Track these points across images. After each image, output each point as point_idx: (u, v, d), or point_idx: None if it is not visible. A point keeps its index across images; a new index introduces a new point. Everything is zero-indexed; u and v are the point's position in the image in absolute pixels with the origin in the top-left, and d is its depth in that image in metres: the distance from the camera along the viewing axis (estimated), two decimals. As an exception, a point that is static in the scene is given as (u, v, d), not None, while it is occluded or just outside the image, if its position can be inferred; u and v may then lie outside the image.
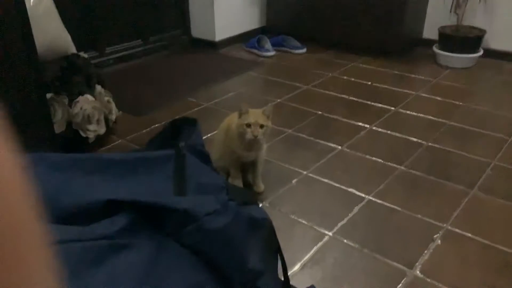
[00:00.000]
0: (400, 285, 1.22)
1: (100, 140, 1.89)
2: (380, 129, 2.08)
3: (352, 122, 2.15)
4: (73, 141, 1.74)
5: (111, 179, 0.79)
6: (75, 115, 1.72)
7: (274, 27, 3.41)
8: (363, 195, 1.60)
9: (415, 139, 1.98)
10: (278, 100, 2.38)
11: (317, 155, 1.86)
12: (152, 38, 3.12)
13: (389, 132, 2.05)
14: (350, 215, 1.50)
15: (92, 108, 1.78)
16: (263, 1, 3.43)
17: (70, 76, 1.76)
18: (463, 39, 2.81)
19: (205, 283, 0.67)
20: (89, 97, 1.79)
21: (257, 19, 3.48)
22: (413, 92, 2.48)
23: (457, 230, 1.43)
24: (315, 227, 1.45)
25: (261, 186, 1.63)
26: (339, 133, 2.04)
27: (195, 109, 2.30)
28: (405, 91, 2.50)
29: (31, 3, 1.65)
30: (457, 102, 2.35)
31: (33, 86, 1.39)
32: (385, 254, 1.33)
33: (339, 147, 1.92)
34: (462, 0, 2.79)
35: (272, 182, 1.68)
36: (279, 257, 0.91)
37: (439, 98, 2.41)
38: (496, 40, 2.92)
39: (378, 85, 2.59)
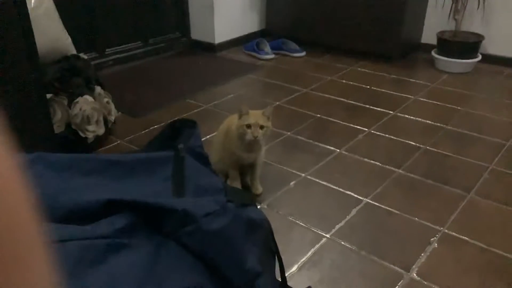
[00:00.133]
0: (397, 287, 1.23)
1: (99, 141, 1.89)
2: (378, 133, 2.09)
3: (351, 125, 2.16)
4: (72, 141, 1.74)
5: (110, 179, 0.79)
6: (75, 116, 1.73)
7: (274, 30, 3.42)
8: (361, 198, 1.61)
9: (413, 143, 1.99)
10: (277, 103, 2.39)
11: (316, 158, 1.86)
12: (152, 40, 3.13)
13: (387, 135, 2.06)
14: (348, 217, 1.51)
15: (91, 109, 1.78)
16: (262, 4, 3.45)
17: (70, 77, 1.76)
18: (461, 44, 2.82)
19: (204, 284, 0.68)
20: (88, 98, 1.79)
21: (257, 22, 3.49)
22: (412, 96, 2.49)
23: (454, 233, 1.43)
24: (312, 229, 1.45)
25: (259, 188, 1.64)
26: (338, 136, 2.04)
27: (194, 110, 2.30)
28: (404, 95, 2.52)
29: (32, 5, 1.66)
30: (455, 107, 2.37)
31: (34, 86, 1.39)
32: (382, 256, 1.33)
33: (338, 150, 1.93)
34: (460, 6, 2.81)
35: (271, 184, 1.68)
36: (276, 258, 0.92)
37: (437, 103, 2.42)
38: (494, 46, 2.94)
39: (376, 89, 2.61)
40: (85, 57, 1.98)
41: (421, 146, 1.97)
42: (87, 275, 0.63)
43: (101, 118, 1.85)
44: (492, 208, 1.56)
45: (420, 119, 2.22)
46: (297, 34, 3.29)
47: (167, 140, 0.98)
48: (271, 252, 0.89)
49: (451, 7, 2.85)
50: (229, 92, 2.54)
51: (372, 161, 1.84)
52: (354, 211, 1.54)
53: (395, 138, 2.04)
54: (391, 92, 2.56)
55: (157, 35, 3.16)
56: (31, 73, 1.35)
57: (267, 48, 3.13)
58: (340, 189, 1.66)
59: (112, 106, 1.98)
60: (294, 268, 1.29)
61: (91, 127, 1.79)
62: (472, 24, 2.94)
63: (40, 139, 1.47)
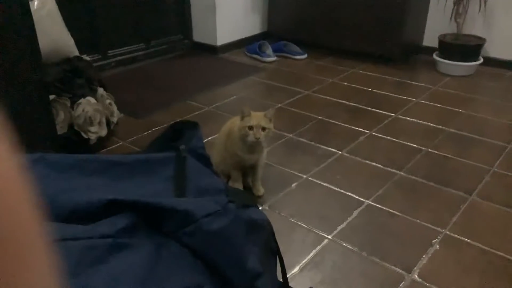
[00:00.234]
0: (398, 289, 1.23)
1: (101, 142, 1.90)
2: (380, 135, 2.09)
3: (352, 127, 2.16)
4: (74, 142, 1.75)
5: (111, 180, 0.80)
6: (77, 117, 1.74)
7: (276, 32, 3.43)
8: (362, 200, 1.61)
9: (414, 145, 1.99)
10: (279, 105, 2.40)
11: (317, 160, 1.87)
12: (154, 42, 3.14)
13: (388, 137, 2.06)
14: (349, 219, 1.51)
15: (93, 110, 1.79)
16: (264, 6, 3.46)
17: (72, 78, 1.77)
18: (463, 47, 2.82)
19: (204, 284, 0.68)
20: (91, 99, 1.80)
21: (259, 24, 3.50)
22: (413, 99, 2.50)
23: (455, 235, 1.43)
24: (314, 230, 1.45)
25: (261, 190, 1.64)
26: (339, 138, 2.05)
27: (196, 112, 2.31)
28: (405, 97, 2.52)
29: (35, 6, 1.67)
30: (456, 109, 2.36)
31: (36, 87, 1.40)
32: (383, 258, 1.33)
33: (339, 152, 1.93)
34: (462, 9, 2.82)
35: (272, 185, 1.68)
36: (278, 259, 0.92)
37: (438, 105, 2.42)
38: (496, 49, 2.94)
39: (378, 91, 2.61)
40: (88, 58, 1.99)
41: (423, 148, 1.97)
42: (88, 275, 0.63)
43: (104, 120, 1.86)
44: (494, 210, 1.56)
45: (422, 122, 2.22)
46: (299, 36, 3.30)
47: (169, 141, 0.99)
48: (272, 253, 0.89)
49: (453, 10, 2.85)
50: (231, 94, 2.55)
51: (373, 163, 1.84)
52: (355, 213, 1.54)
53: (396, 140, 2.04)
54: (393, 95, 2.56)
55: (159, 37, 3.17)
56: (33, 74, 1.36)
57: (269, 50, 3.14)
58: (342, 191, 1.66)
59: (115, 107, 1.99)
60: (296, 269, 1.29)
61: (93, 128, 1.79)
62: (473, 27, 2.94)
63: (43, 140, 1.47)
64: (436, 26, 3.07)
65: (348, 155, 1.91)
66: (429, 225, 1.48)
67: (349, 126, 2.17)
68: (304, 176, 1.75)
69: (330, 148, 1.96)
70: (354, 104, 2.42)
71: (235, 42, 3.33)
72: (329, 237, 1.42)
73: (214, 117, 2.26)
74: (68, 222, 0.67)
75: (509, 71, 2.90)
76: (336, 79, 2.79)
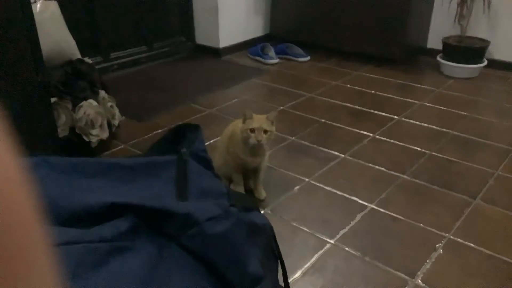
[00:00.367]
0: (402, 294, 1.21)
1: (103, 145, 1.89)
2: (383, 138, 2.08)
3: (355, 130, 2.15)
4: (76, 145, 1.75)
5: (113, 183, 0.79)
6: (79, 120, 1.73)
7: (278, 35, 3.43)
8: (365, 203, 1.60)
9: (418, 148, 1.98)
10: (282, 108, 2.39)
11: (320, 163, 1.86)
12: (156, 45, 3.14)
13: (392, 141, 2.05)
14: (352, 223, 1.50)
15: (95, 113, 1.79)
16: (267, 9, 3.46)
17: (74, 81, 1.77)
18: (467, 49, 2.81)
19: (205, 287, 0.67)
20: (92, 102, 1.80)
21: (261, 26, 3.50)
22: (417, 102, 2.48)
23: (459, 239, 1.42)
24: (316, 234, 1.44)
25: (262, 193, 1.63)
26: (342, 141, 2.04)
27: (198, 115, 2.31)
28: (409, 100, 2.51)
29: (38, 9, 1.67)
30: (460, 112, 2.35)
31: (37, 89, 1.40)
32: (386, 262, 1.32)
33: (342, 155, 1.92)
34: (466, 11, 2.80)
35: (274, 189, 1.68)
36: (279, 263, 0.91)
37: (442, 108, 2.41)
38: (500, 51, 2.92)
39: (381, 93, 2.60)
40: (90, 61, 1.98)
41: (426, 151, 1.95)
42: (89, 278, 0.62)
43: (105, 122, 1.85)
44: (498, 215, 1.54)
45: (425, 124, 2.21)
46: (302, 38, 3.30)
47: (170, 144, 0.98)
48: (274, 257, 0.88)
49: (456, 12, 2.84)
50: (233, 97, 2.54)
51: (376, 167, 1.83)
52: (358, 217, 1.53)
53: (400, 143, 2.03)
54: (396, 97, 2.55)
55: (162, 39, 3.17)
56: (34, 75, 1.36)
57: (272, 52, 3.13)
58: (345, 195, 1.65)
59: (116, 110, 1.98)
60: (298, 273, 1.28)
61: (95, 131, 1.79)
62: (478, 29, 2.93)
63: (44, 142, 1.47)
64: (440, 28, 3.06)
65: (351, 158, 1.90)
66: (433, 230, 1.46)
67: (352, 129, 2.16)
68: (307, 180, 1.74)
69: (333, 151, 1.95)
70: (357, 107, 2.41)
71: (237, 45, 3.33)
72: (332, 241, 1.41)
73: (216, 120, 2.25)
74: (69, 225, 0.66)
75: (513, 74, 2.89)
76: (339, 82, 2.78)
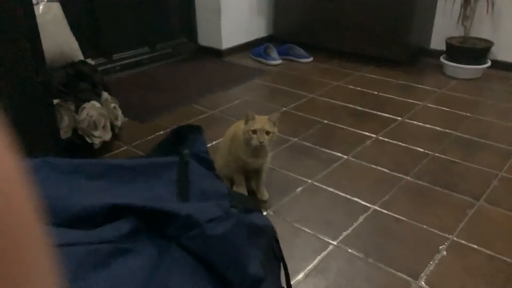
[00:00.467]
0: (405, 296, 1.21)
1: (106, 146, 1.89)
2: (386, 139, 2.07)
3: (358, 131, 2.14)
4: (78, 146, 1.75)
5: (114, 184, 0.79)
6: (81, 121, 1.74)
7: (281, 36, 3.42)
8: (368, 205, 1.59)
9: (421, 149, 1.97)
10: (284, 109, 2.39)
11: (322, 164, 1.85)
12: (159, 46, 3.14)
13: (395, 142, 2.04)
14: (355, 224, 1.49)
15: (98, 114, 1.79)
16: (270, 10, 3.45)
17: (77, 82, 1.77)
18: (470, 50, 2.80)
19: (206, 289, 0.67)
20: (95, 103, 1.80)
21: (264, 28, 3.50)
22: (420, 102, 2.47)
23: (462, 241, 1.41)
24: (319, 236, 1.44)
25: (265, 194, 1.63)
26: (345, 142, 2.03)
27: (201, 116, 2.31)
28: (412, 101, 2.50)
29: (40, 11, 1.68)
30: (463, 113, 2.34)
31: (39, 91, 1.40)
32: (389, 264, 1.31)
33: (345, 156, 1.91)
34: (469, 11, 2.79)
35: (277, 190, 1.67)
36: (282, 265, 0.91)
37: (445, 109, 2.40)
38: (504, 52, 2.91)
39: (384, 94, 2.59)
40: (93, 62, 1.99)
41: (429, 152, 1.95)
42: (89, 279, 0.62)
43: (108, 124, 1.86)
44: (501, 216, 1.53)
45: (428, 125, 2.20)
46: (304, 39, 3.29)
47: (172, 146, 0.98)
48: (276, 258, 0.88)
49: (460, 12, 2.83)
50: (235, 98, 2.54)
51: (379, 168, 1.83)
52: (361, 218, 1.52)
53: (402, 144, 2.02)
54: (399, 98, 2.54)
55: (164, 40, 3.18)
56: (36, 77, 1.36)
57: (274, 53, 3.13)
58: (347, 196, 1.64)
59: (119, 111, 1.98)
60: (300, 275, 1.28)
61: (97, 133, 1.79)
62: (481, 30, 2.92)
63: (46, 143, 1.47)
64: (443, 29, 3.05)
65: (353, 159, 1.89)
66: (436, 231, 1.46)
67: (354, 130, 2.16)
68: (309, 181, 1.74)
69: (335, 153, 1.94)
70: (360, 108, 2.41)
71: (240, 46, 3.33)
72: (334, 243, 1.41)
73: (219, 121, 2.25)
74: (70, 226, 0.66)
75: (517, 75, 2.88)
76: (342, 82, 2.77)
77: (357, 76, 2.89)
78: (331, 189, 1.68)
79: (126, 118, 2.08)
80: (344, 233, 1.45)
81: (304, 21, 3.29)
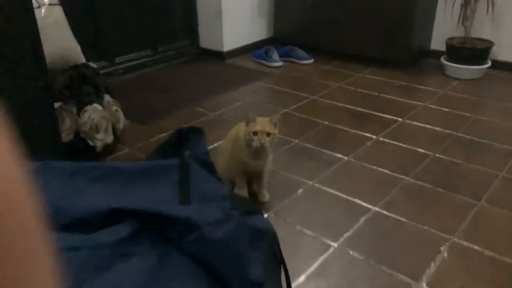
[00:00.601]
0: (406, 297, 1.21)
1: (108, 149, 1.90)
2: (387, 140, 2.07)
3: (359, 132, 2.15)
4: (80, 149, 1.76)
5: (115, 187, 0.80)
6: (83, 124, 1.74)
7: (282, 38, 3.43)
8: (369, 206, 1.59)
9: (422, 150, 1.97)
10: (285, 110, 2.39)
11: (323, 165, 1.85)
12: (161, 48, 3.15)
13: (396, 143, 2.04)
14: (356, 226, 1.49)
15: (100, 117, 1.80)
16: (270, 12, 3.46)
17: (79, 85, 1.78)
18: (470, 50, 2.80)
19: (207, 292, 0.67)
20: (97, 106, 1.81)
21: (265, 30, 3.50)
22: (421, 103, 2.48)
23: (464, 242, 1.41)
24: (320, 238, 1.44)
25: (266, 196, 1.63)
26: (346, 144, 2.03)
27: (202, 118, 2.31)
28: (413, 102, 2.50)
29: (42, 14, 1.69)
30: (465, 113, 2.34)
31: (41, 94, 1.41)
32: (391, 266, 1.31)
33: (346, 158, 1.92)
34: (469, 12, 2.79)
35: (278, 192, 1.68)
36: (282, 267, 0.91)
37: (446, 109, 2.40)
38: (504, 52, 2.91)
39: (385, 95, 2.59)
40: (95, 65, 2.00)
41: (430, 153, 1.95)
42: (90, 283, 0.63)
43: (110, 126, 1.86)
44: (503, 217, 1.53)
45: (429, 126, 2.20)
46: (305, 41, 3.30)
47: (173, 148, 0.98)
48: (277, 261, 0.88)
49: (460, 13, 2.83)
50: (237, 99, 2.55)
51: (380, 169, 1.83)
52: (362, 220, 1.52)
53: (403, 145, 2.02)
54: (400, 99, 2.54)
55: (167, 43, 3.19)
56: (38, 81, 1.37)
57: (275, 55, 3.14)
58: (348, 197, 1.64)
59: (121, 114, 1.99)
60: (301, 278, 1.28)
61: (99, 135, 1.80)
62: (481, 30, 2.92)
63: (48, 147, 1.48)
64: (443, 30, 3.05)
65: (354, 160, 1.90)
66: (437, 232, 1.46)
67: (355, 131, 2.16)
68: (310, 183, 1.74)
69: (336, 154, 1.95)
70: (361, 109, 2.41)
71: (241, 48, 3.34)
72: (336, 245, 1.41)
73: (220, 123, 2.26)
74: (71, 230, 0.67)
75: (518, 75, 2.87)
76: (343, 84, 2.78)
77: (358, 78, 2.89)
78: (332, 191, 1.69)
79: (128, 121, 2.09)
80: (345, 235, 1.45)
81: (304, 22, 3.30)
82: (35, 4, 1.60)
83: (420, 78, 2.87)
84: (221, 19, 3.14)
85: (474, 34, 2.88)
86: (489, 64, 2.82)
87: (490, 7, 2.77)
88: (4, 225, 0.20)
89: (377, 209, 1.58)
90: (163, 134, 2.12)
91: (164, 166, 0.86)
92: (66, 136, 1.69)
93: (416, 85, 2.75)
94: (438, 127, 2.19)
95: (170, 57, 3.19)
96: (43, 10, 1.70)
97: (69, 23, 1.87)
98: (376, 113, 2.36)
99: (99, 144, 1.81)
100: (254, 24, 3.40)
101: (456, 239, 1.42)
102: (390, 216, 1.54)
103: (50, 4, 1.74)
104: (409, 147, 2.01)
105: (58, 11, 1.79)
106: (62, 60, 1.78)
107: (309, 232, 1.46)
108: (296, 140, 2.07)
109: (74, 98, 1.75)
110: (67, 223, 0.69)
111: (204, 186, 0.85)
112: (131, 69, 2.95)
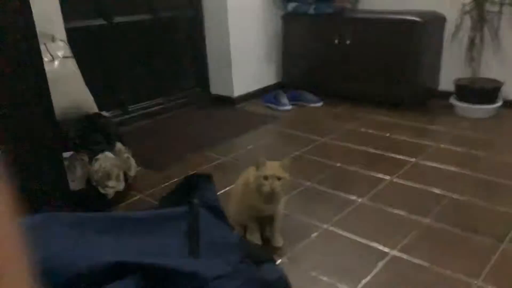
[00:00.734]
0: None
1: (119, 196, 1.89)
2: (401, 181, 2.03)
3: (372, 174, 2.11)
4: (91, 197, 1.75)
5: (124, 237, 0.78)
6: (95, 172, 1.75)
7: (290, 82, 3.48)
8: (386, 250, 1.54)
9: (438, 191, 1.92)
10: (296, 153, 2.38)
11: (337, 208, 1.81)
12: (173, 96, 3.23)
13: (410, 183, 2.00)
14: (374, 271, 1.43)
15: (111, 165, 1.81)
16: (278, 58, 3.54)
17: (91, 134, 1.81)
18: (480, 90, 2.80)
19: None
20: (108, 154, 1.82)
21: (274, 74, 3.57)
22: (433, 143, 2.45)
23: (489, 287, 1.34)
24: (337, 284, 1.38)
25: (280, 241, 1.59)
26: (359, 185, 2.00)
27: (214, 162, 2.31)
28: (425, 142, 2.47)
29: (55, 66, 1.74)
30: (479, 153, 2.30)
31: (50, 143, 1.42)
32: (412, 314, 1.24)
33: (359, 200, 1.88)
34: (475, 53, 2.81)
35: (291, 236, 1.63)
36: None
37: (459, 149, 2.36)
38: (515, 89, 2.90)
39: (396, 137, 2.57)
40: (107, 114, 2.03)
41: (447, 194, 1.90)
42: None
43: (121, 174, 1.87)
44: (529, 259, 1.46)
45: (443, 166, 2.16)
46: (314, 85, 3.34)
47: (182, 195, 0.97)
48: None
49: (466, 55, 2.86)
50: (248, 143, 2.55)
51: (396, 211, 1.78)
52: (380, 264, 1.46)
53: (418, 186, 1.98)
54: (411, 140, 2.52)
55: (178, 91, 3.26)
56: (47, 131, 1.39)
57: (285, 99, 3.17)
58: (364, 241, 1.59)
59: (132, 161, 2.00)
60: (318, 327, 1.22)
61: (111, 183, 1.80)
62: (490, 70, 2.92)
63: (58, 196, 1.48)
64: (451, 71, 3.06)
65: (369, 202, 1.86)
66: (461, 276, 1.39)
67: (368, 172, 2.13)
68: (324, 226, 1.70)
69: (350, 196, 1.91)
70: (372, 150, 2.39)
71: (251, 93, 3.39)
72: (353, 291, 1.35)
73: (232, 167, 2.25)
74: (75, 284, 0.64)
75: (531, 112, 2.84)
76: (353, 126, 2.77)
77: (368, 119, 2.89)
78: (347, 234, 1.64)
79: (140, 167, 2.09)
80: (363, 281, 1.39)
81: (311, 67, 3.35)
82: (48, 58, 1.66)
83: (430, 118, 2.86)
84: (231, 67, 3.21)
85: (483, 74, 2.89)
86: (500, 103, 2.80)
87: (496, 47, 2.78)
88: None
89: (395, 253, 1.52)
90: (175, 179, 2.11)
91: (173, 215, 0.85)
92: (77, 184, 1.69)
93: (426, 126, 2.73)
94: (453, 167, 2.15)
95: (182, 104, 3.25)
96: (56, 63, 1.76)
97: (82, 73, 1.93)
98: (388, 154, 2.33)
99: (110, 192, 1.80)
100: (263, 70, 3.47)
101: (481, 283, 1.35)
102: (409, 260, 1.48)
103: (64, 57, 1.80)
104: (424, 187, 1.96)
105: (71, 63, 1.85)
106: (75, 110, 1.82)
107: (325, 279, 1.41)
108: (309, 183, 2.04)
109: (85, 147, 1.77)
110: (73, 277, 0.67)
111: (213, 233, 0.83)
112: (144, 117, 3.01)
